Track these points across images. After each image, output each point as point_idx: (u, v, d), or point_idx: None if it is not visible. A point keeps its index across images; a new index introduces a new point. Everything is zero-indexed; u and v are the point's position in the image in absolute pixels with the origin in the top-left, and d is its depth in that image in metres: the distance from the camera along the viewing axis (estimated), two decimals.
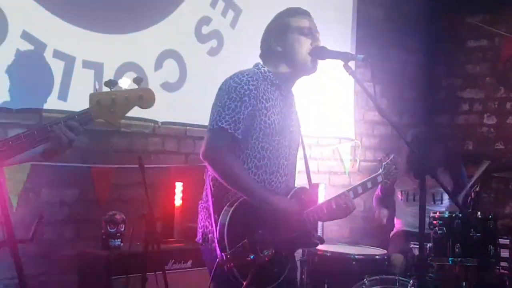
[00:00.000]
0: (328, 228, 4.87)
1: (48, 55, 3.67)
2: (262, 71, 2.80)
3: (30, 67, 3.64)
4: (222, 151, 2.63)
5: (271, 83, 2.78)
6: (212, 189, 2.72)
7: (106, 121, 2.41)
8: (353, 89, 5.45)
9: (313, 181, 3.00)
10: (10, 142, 2.30)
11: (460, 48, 6.20)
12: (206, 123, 2.78)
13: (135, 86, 2.42)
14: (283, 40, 2.79)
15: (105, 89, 2.39)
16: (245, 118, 2.66)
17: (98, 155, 3.94)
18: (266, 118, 2.72)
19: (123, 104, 2.39)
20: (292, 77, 2.85)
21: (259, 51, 2.89)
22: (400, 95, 6.04)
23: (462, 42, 6.20)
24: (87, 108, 2.38)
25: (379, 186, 3.96)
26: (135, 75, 3.88)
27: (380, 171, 3.02)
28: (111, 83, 2.38)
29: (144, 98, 2.41)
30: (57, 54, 3.71)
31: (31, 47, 3.61)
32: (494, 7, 5.93)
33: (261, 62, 2.85)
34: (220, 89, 2.74)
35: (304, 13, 2.86)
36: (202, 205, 2.79)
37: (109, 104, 2.37)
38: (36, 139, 2.31)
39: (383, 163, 3.02)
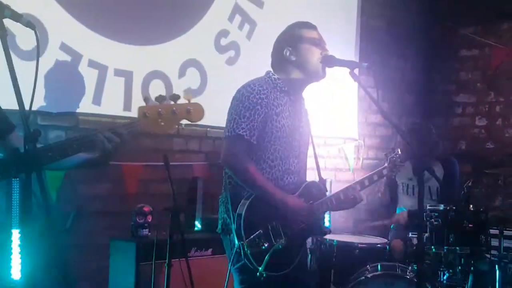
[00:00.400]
0: (334, 220, 4.86)
1: (83, 64, 3.69)
2: (273, 78, 2.80)
3: (68, 75, 3.65)
4: (239, 157, 2.64)
5: (280, 90, 2.78)
6: (229, 186, 2.73)
7: (154, 132, 2.28)
8: (357, 95, 5.42)
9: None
10: (53, 148, 2.13)
11: (454, 57, 6.16)
12: (224, 125, 2.78)
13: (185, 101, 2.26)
14: (296, 49, 2.79)
15: (154, 102, 2.23)
16: (258, 125, 2.66)
17: (129, 153, 3.94)
18: (276, 122, 2.72)
19: (171, 118, 2.24)
20: (304, 83, 2.85)
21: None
22: (399, 100, 6.00)
23: (456, 51, 6.16)
24: (135, 119, 2.26)
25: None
26: (161, 83, 3.99)
27: (385, 164, 2.99)
28: (161, 98, 2.23)
29: (192, 112, 2.25)
30: (91, 64, 3.72)
31: (68, 58, 3.63)
32: (485, 19, 5.90)
33: (272, 70, 2.85)
34: (234, 98, 2.74)
35: (313, 26, 2.87)
36: (221, 200, 2.80)
37: (156, 117, 2.22)
38: (80, 144, 2.17)
39: (389, 157, 2.99)
